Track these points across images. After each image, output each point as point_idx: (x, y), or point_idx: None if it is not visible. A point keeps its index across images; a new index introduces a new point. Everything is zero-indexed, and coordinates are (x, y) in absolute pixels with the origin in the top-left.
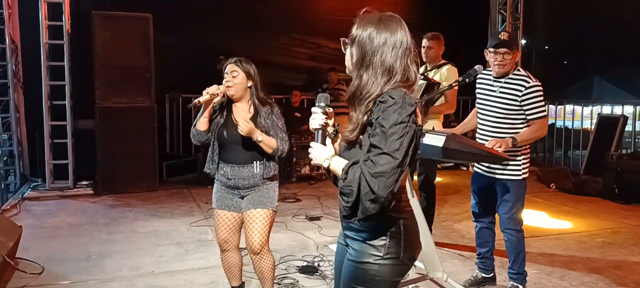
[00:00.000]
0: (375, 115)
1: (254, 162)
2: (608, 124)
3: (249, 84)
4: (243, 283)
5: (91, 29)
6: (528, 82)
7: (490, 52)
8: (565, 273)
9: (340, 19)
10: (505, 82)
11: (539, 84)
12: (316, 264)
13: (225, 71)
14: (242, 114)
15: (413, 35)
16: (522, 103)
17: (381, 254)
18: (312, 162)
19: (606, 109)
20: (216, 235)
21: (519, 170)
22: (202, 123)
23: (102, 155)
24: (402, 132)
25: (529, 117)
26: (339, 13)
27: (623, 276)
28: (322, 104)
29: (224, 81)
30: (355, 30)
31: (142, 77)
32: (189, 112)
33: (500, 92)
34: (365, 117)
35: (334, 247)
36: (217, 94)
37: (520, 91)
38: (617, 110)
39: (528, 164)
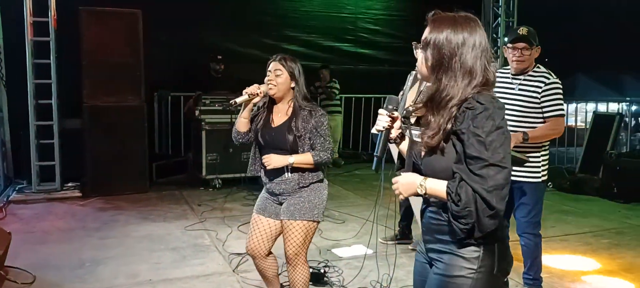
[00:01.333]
0: (464, 124)
1: (285, 170)
2: (603, 122)
3: (292, 85)
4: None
5: (78, 26)
6: (548, 78)
7: (508, 47)
8: (577, 277)
9: (331, 15)
10: (524, 79)
11: (559, 81)
12: (322, 271)
13: (269, 69)
14: (280, 115)
15: (410, 32)
16: (541, 99)
17: (475, 267)
18: (400, 197)
19: (591, 107)
20: (248, 239)
21: (539, 171)
22: (241, 124)
23: (91, 156)
24: (503, 139)
25: (545, 114)
26: (329, 9)
27: (636, 278)
28: (390, 107)
29: (265, 79)
30: (429, 34)
31: (132, 74)
32: (179, 111)
33: (520, 89)
34: (449, 124)
35: (337, 251)
36: (257, 94)
37: (540, 88)
38: (602, 107)
39: (547, 165)
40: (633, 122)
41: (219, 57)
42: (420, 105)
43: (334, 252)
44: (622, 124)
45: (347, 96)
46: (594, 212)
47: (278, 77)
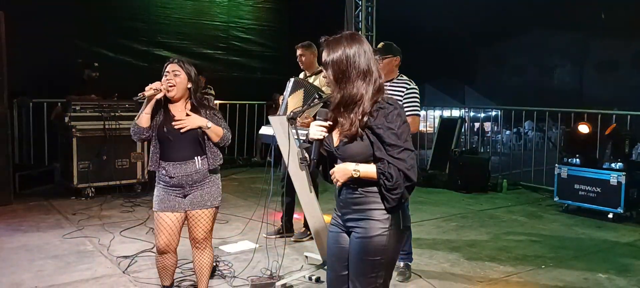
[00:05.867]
0: (378, 120)
1: (196, 157)
2: (448, 125)
3: (189, 86)
4: (173, 282)
5: None
6: (409, 84)
7: (376, 59)
8: (433, 254)
9: (203, 23)
10: (390, 85)
11: (417, 88)
12: (214, 264)
13: (166, 70)
14: (179, 111)
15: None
16: (404, 102)
17: (387, 226)
18: (338, 183)
19: (438, 113)
20: (156, 238)
21: None
22: (143, 119)
23: None
24: (408, 130)
25: (406, 113)
26: (201, 18)
27: (477, 252)
28: (321, 118)
29: (163, 79)
30: (326, 56)
31: None
32: (41, 118)
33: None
34: (364, 118)
35: (224, 248)
36: (160, 91)
37: (403, 91)
38: (447, 113)
39: None
40: (476, 126)
41: (96, 64)
42: (330, 114)
43: (222, 248)
44: (464, 126)
45: (221, 102)
46: (443, 202)
47: (176, 76)
